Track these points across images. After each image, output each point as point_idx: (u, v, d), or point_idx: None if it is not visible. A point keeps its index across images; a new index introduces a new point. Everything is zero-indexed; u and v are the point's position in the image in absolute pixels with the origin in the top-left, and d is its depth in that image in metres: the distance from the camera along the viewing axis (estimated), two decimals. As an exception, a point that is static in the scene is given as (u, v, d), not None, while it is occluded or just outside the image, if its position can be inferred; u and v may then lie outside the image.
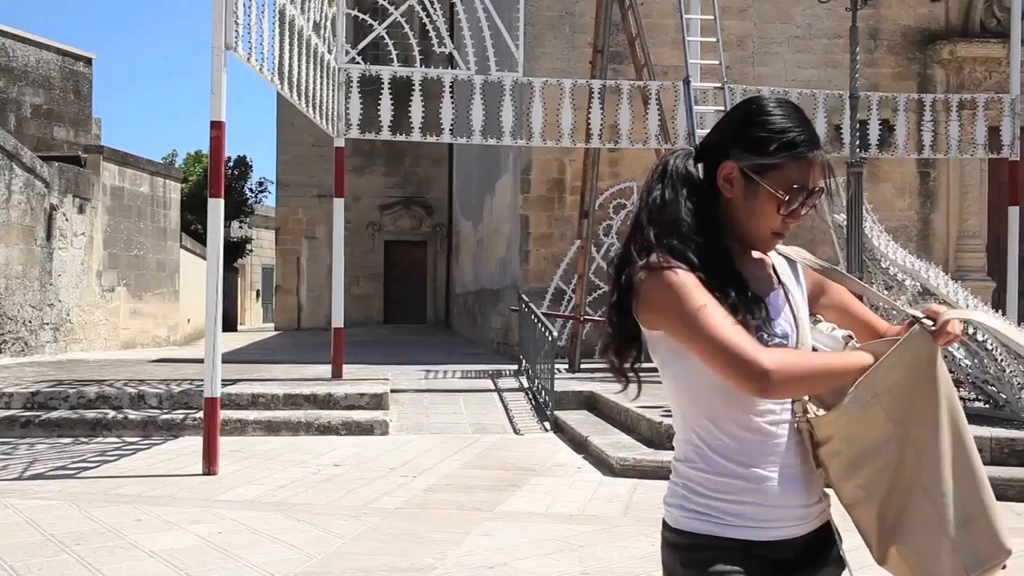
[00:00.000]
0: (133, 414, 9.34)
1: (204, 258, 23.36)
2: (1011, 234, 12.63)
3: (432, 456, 8.15)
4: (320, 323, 26.93)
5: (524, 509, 6.14)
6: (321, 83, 10.39)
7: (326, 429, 9.34)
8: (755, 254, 1.86)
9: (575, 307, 13.14)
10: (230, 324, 32.21)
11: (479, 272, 20.20)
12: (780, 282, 1.87)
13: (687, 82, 11.49)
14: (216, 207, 7.38)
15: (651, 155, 12.77)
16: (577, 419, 9.49)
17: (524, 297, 11.88)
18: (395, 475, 7.30)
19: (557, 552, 5.04)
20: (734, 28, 14.76)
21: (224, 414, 9.39)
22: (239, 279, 38.11)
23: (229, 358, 15.19)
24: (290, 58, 8.95)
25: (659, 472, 7.09)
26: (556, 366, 12.91)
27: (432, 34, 11.20)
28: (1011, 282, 12.63)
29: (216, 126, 7.28)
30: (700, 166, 1.82)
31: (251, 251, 34.68)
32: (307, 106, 9.66)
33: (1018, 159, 12.69)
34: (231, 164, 30.84)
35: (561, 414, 9.79)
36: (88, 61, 17.69)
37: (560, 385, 10.70)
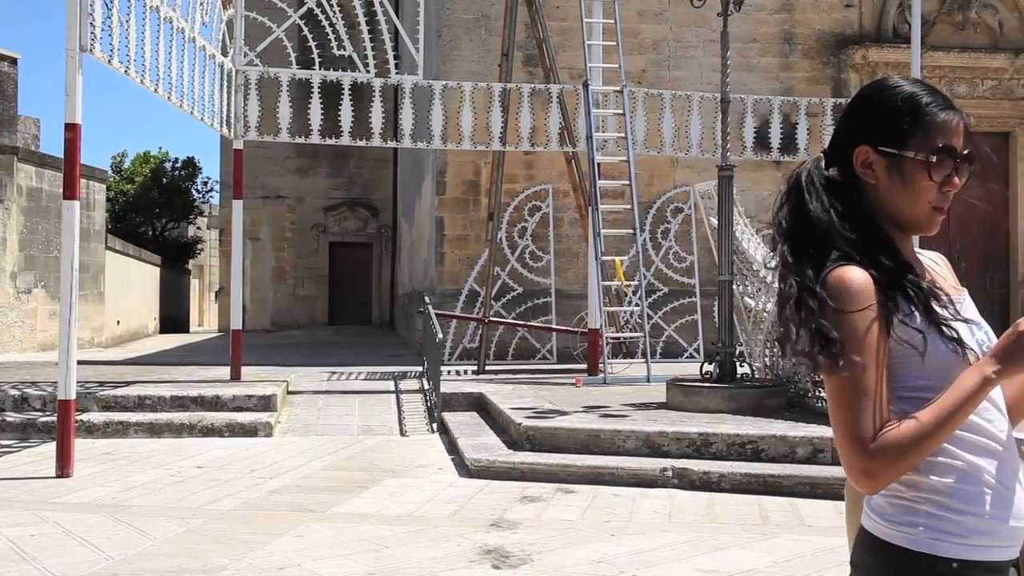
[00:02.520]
0: (12, 416, 9.30)
1: (139, 260, 23.32)
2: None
3: (303, 458, 8.17)
4: (264, 324, 26.87)
5: (357, 510, 6.17)
6: (213, 85, 10.39)
7: (210, 431, 9.32)
8: (916, 261, 1.75)
9: (486, 309, 13.17)
10: (181, 325, 32.13)
11: (413, 273, 20.23)
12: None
13: (586, 85, 11.56)
14: (71, 209, 7.36)
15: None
16: (462, 421, 9.51)
17: (426, 299, 11.91)
18: (252, 477, 7.32)
19: (358, 553, 5.08)
20: (650, 32, 14.89)
21: (106, 416, 9.44)
22: (194, 280, 38.00)
23: (146, 360, 15.26)
24: (168, 60, 8.94)
25: (511, 473, 7.17)
26: (465, 368, 13.07)
27: (331, 37, 11.22)
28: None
29: (71, 128, 7.26)
30: (834, 170, 1.72)
31: (201, 251, 34.49)
32: (191, 108, 9.65)
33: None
34: (179, 165, 30.73)
35: (450, 416, 9.81)
36: (13, 61, 17.58)
37: (456, 387, 10.77)
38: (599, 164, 11.82)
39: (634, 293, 11.78)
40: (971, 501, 1.63)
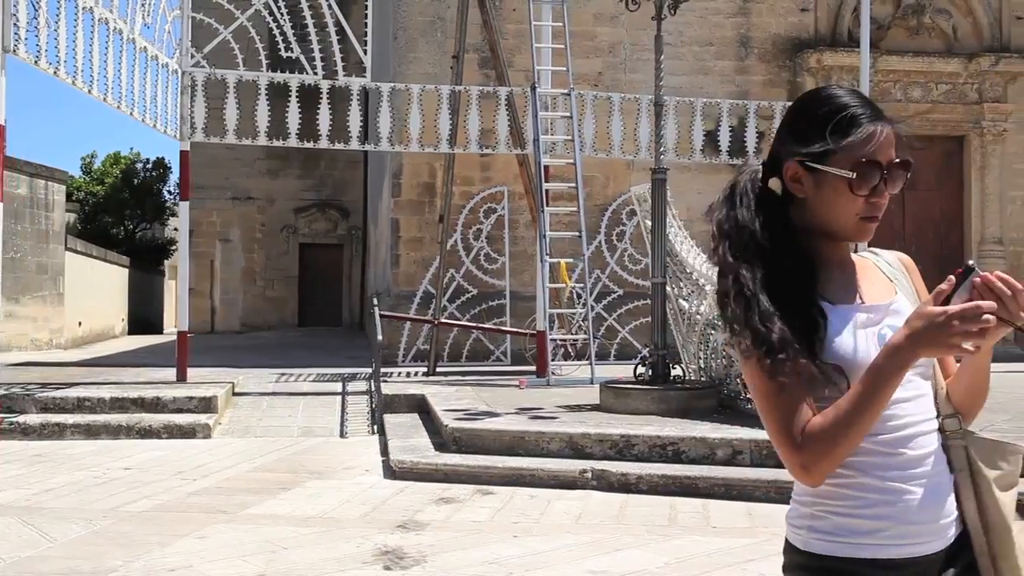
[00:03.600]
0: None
1: (104, 261, 23.23)
2: (861, 239, 12.86)
3: (234, 459, 8.17)
4: (234, 326, 26.82)
5: (269, 512, 6.18)
6: (156, 87, 10.37)
7: (147, 433, 9.31)
8: (860, 262, 1.79)
9: (437, 310, 13.19)
10: (153, 326, 31.99)
11: (376, 274, 20.24)
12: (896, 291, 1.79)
13: (534, 88, 11.59)
14: (-6, 210, 7.34)
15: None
16: (401, 422, 9.52)
17: (374, 300, 11.91)
18: (177, 478, 7.31)
19: (254, 554, 5.09)
20: (606, 35, 14.93)
21: (43, 418, 9.42)
22: (170, 281, 37.82)
23: (100, 362, 15.21)
24: (104, 61, 8.93)
25: (434, 475, 7.19)
26: (417, 369, 13.09)
27: (279, 39, 11.23)
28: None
29: (-6, 129, 7.26)
30: (775, 180, 1.74)
31: (175, 252, 34.35)
32: (131, 110, 9.64)
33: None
34: (150, 166, 30.63)
35: (391, 417, 9.82)
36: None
37: (400, 388, 10.81)
38: (547, 167, 11.87)
39: (577, 296, 11.79)
40: (853, 505, 1.66)
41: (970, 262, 1.54)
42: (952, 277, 1.54)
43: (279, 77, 11.34)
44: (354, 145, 11.61)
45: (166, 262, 36.20)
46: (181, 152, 11.46)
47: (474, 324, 13.17)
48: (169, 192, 31.65)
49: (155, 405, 9.81)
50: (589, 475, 6.89)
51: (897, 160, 1.69)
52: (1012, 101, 15.41)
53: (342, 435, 9.63)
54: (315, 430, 9.76)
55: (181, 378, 11.13)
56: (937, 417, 1.75)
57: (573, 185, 11.41)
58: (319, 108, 11.27)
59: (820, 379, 1.63)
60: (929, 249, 15.62)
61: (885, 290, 1.79)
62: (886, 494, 1.66)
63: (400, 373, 13.00)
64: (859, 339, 1.69)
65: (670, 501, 6.44)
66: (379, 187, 19.74)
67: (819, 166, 1.67)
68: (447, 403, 9.24)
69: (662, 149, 9.20)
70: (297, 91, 11.28)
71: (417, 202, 14.48)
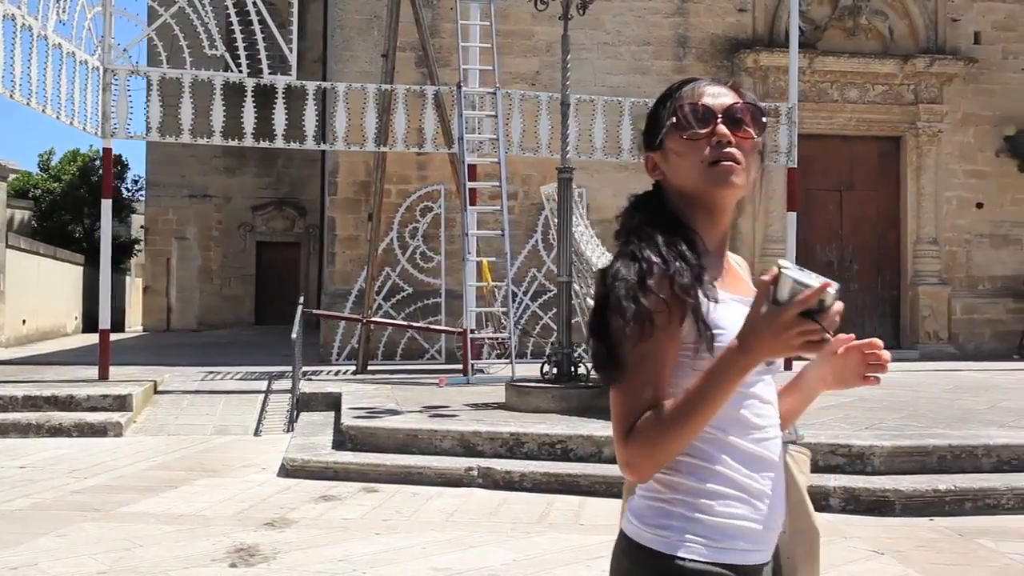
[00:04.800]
0: None
1: (53, 258, 23.07)
2: (789, 239, 12.97)
3: (135, 458, 8.15)
4: (190, 324, 26.72)
5: (143, 510, 6.18)
6: (73, 84, 10.33)
7: (58, 431, 9.27)
8: (727, 263, 1.76)
9: (371, 308, 13.18)
10: (114, 325, 31.84)
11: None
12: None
13: (460, 87, 11.61)
14: None
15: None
16: (314, 420, 9.52)
17: (301, 298, 11.90)
18: (68, 477, 7.29)
19: (104, 552, 5.09)
20: (544, 34, 14.96)
21: (-51, 416, 9.36)
22: (138, 279, 37.60)
23: (33, 360, 15.12)
24: (11, 57, 8.88)
25: (325, 473, 7.20)
26: (348, 368, 13.09)
27: (203, 36, 11.20)
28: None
29: None
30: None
31: (139, 252, 34.17)
32: (43, 107, 9.60)
33: (795, 166, 13.03)
34: (108, 163, 30.49)
35: (307, 415, 9.83)
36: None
37: (319, 387, 10.82)
38: (475, 165, 11.90)
39: (500, 294, 11.82)
40: (726, 504, 1.61)
41: (782, 262, 1.49)
42: (766, 278, 1.49)
43: (203, 75, 11.31)
44: (279, 144, 11.58)
45: (132, 260, 36.01)
46: (104, 150, 11.42)
47: (403, 322, 13.18)
48: (127, 190, 31.45)
49: (68, 403, 9.76)
50: (475, 473, 6.92)
51: (734, 103, 1.67)
52: (947, 102, 15.55)
53: (256, 433, 9.63)
54: (230, 428, 9.75)
55: (103, 376, 11.09)
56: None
57: (497, 184, 11.43)
58: (267, 106, 11.26)
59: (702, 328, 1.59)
60: (867, 249, 15.77)
61: (746, 287, 1.77)
62: (754, 496, 1.63)
63: (332, 371, 13.01)
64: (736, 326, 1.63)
65: (549, 499, 6.47)
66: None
67: (657, 139, 1.70)
68: (358, 401, 9.25)
69: (567, 148, 9.21)
70: (252, 90, 11.31)
71: (353, 200, 14.47)
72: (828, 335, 1.47)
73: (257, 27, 11.26)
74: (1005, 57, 15.76)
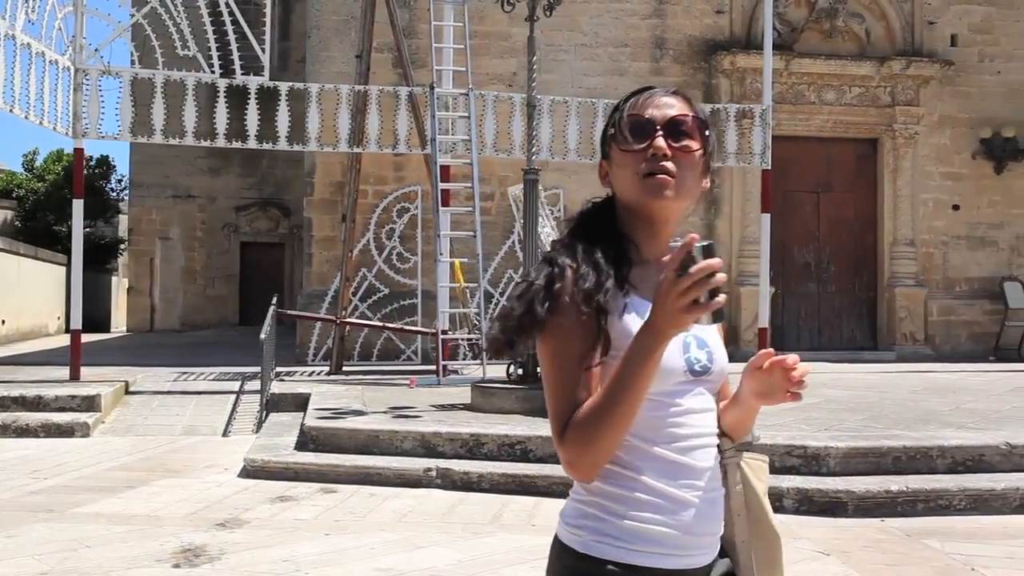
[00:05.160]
0: None
1: (34, 259, 23.02)
2: (763, 240, 13.00)
3: (99, 458, 8.14)
4: (174, 324, 26.67)
5: (98, 511, 6.17)
6: (42, 83, 10.31)
7: (24, 432, 9.25)
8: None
9: (346, 309, 13.17)
10: (99, 325, 31.74)
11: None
12: None
13: (432, 88, 11.62)
14: None
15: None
16: (281, 421, 9.51)
17: (274, 299, 11.90)
18: (28, 477, 7.28)
19: (49, 553, 5.09)
20: (521, 35, 14.84)
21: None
22: (124, 280, 37.50)
23: (18, 360, 15.09)
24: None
25: (285, 474, 7.21)
26: (323, 368, 13.08)
27: (175, 37, 11.19)
28: (763, 283, 13.01)
29: None
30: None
31: (124, 252, 34.12)
32: (11, 106, 9.58)
33: (769, 168, 13.07)
34: (93, 164, 30.38)
35: (275, 416, 9.83)
36: None
37: (289, 387, 10.83)
38: (448, 167, 11.91)
39: (471, 296, 11.83)
40: (638, 508, 1.65)
41: (690, 237, 1.50)
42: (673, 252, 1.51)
43: (175, 75, 11.30)
44: (251, 144, 11.57)
45: (120, 261, 35.93)
46: (75, 150, 11.41)
47: (375, 323, 13.18)
48: (112, 190, 31.38)
49: (36, 404, 9.75)
50: (433, 474, 6.93)
51: (676, 116, 1.70)
52: (924, 104, 15.61)
53: (224, 434, 9.62)
54: (199, 428, 9.75)
55: (74, 377, 11.08)
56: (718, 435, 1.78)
57: (470, 185, 11.44)
58: (244, 107, 11.27)
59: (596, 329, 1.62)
60: (844, 250, 15.82)
61: None
62: (672, 502, 1.66)
63: (306, 372, 13.01)
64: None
65: (505, 500, 6.48)
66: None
67: (611, 149, 1.74)
68: (326, 402, 9.25)
69: (533, 149, 9.23)
70: (231, 91, 11.34)
71: (330, 201, 14.47)
72: (703, 293, 1.47)
73: (230, 27, 11.25)
74: (981, 60, 15.82)
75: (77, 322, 11.50)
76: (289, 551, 5.16)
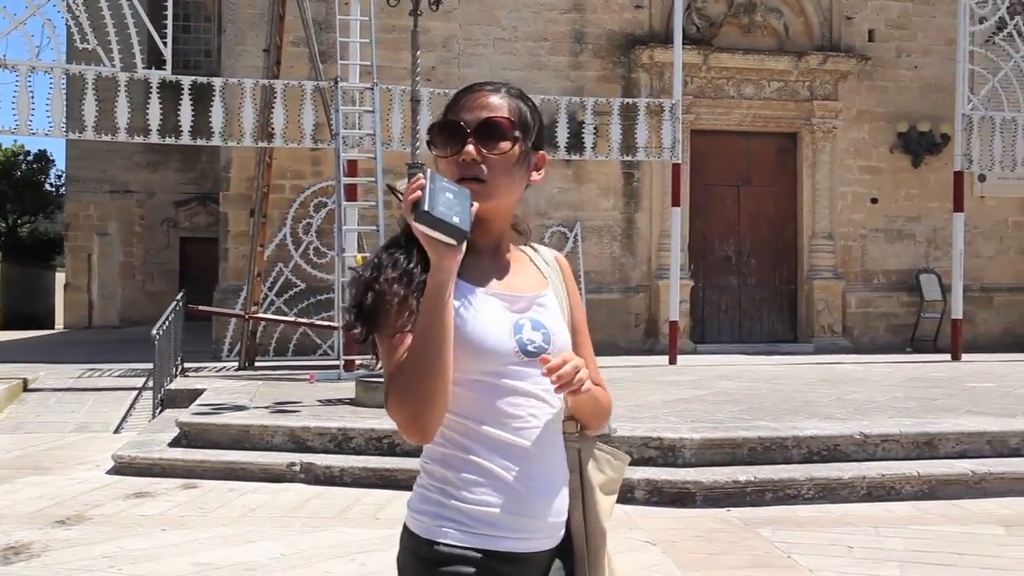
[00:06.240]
0: None
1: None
2: (674, 234, 13.08)
3: (-24, 456, 8.07)
4: (112, 320, 26.43)
5: (-57, 509, 6.12)
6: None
7: (-92, 430, 9.17)
8: (517, 255, 1.86)
9: (258, 305, 13.11)
10: (39, 322, 31.39)
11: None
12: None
13: (337, 82, 11.59)
14: None
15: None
16: (170, 417, 9.39)
17: (180, 295, 11.82)
18: None
19: None
20: (439, 29, 14.94)
21: None
22: (60, 275, 37.09)
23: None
24: None
25: (153, 470, 7.17)
26: (233, 364, 13.03)
27: (74, 30, 11.09)
28: (674, 276, 13.08)
29: None
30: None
31: (67, 246, 33.73)
32: None
33: (679, 162, 13.15)
34: (31, 159, 30.05)
35: (171, 412, 9.77)
36: None
37: (187, 383, 10.79)
38: (355, 161, 11.89)
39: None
40: (473, 490, 1.69)
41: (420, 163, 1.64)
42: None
43: (74, 68, 11.20)
44: (153, 139, 11.49)
45: (68, 256, 35.54)
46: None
47: (282, 318, 13.13)
48: (52, 185, 31.05)
49: (-77, 402, 9.66)
50: (297, 468, 6.92)
51: (489, 117, 1.74)
52: (842, 99, 15.75)
53: (117, 430, 9.57)
54: (92, 426, 9.69)
55: (-26, 374, 10.95)
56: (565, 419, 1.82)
57: (373, 180, 11.43)
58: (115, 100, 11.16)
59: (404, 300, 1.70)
60: (764, 244, 15.94)
61: (535, 283, 1.84)
62: (505, 484, 1.70)
63: (217, 368, 12.94)
64: (491, 322, 1.74)
65: (362, 494, 6.49)
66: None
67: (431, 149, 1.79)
68: (216, 398, 9.21)
69: (416, 144, 9.21)
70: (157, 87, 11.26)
71: (246, 196, 14.37)
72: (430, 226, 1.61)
73: (131, 21, 11.15)
74: (899, 55, 16.00)
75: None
76: (115, 547, 5.14)
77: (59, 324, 34.53)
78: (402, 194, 1.90)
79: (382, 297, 1.69)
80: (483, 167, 1.74)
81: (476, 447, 1.71)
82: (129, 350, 16.55)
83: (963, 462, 6.73)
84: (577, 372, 1.70)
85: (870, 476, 6.40)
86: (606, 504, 1.87)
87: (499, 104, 1.77)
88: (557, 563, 1.80)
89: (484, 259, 1.77)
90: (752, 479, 6.28)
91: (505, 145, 1.75)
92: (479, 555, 1.69)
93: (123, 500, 6.34)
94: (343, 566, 4.84)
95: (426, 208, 1.60)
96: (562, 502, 1.78)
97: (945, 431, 7.01)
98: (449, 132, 1.75)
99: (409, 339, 1.66)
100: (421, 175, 1.65)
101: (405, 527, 1.78)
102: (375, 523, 5.75)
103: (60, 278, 35.81)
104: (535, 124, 1.82)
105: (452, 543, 1.69)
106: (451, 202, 1.62)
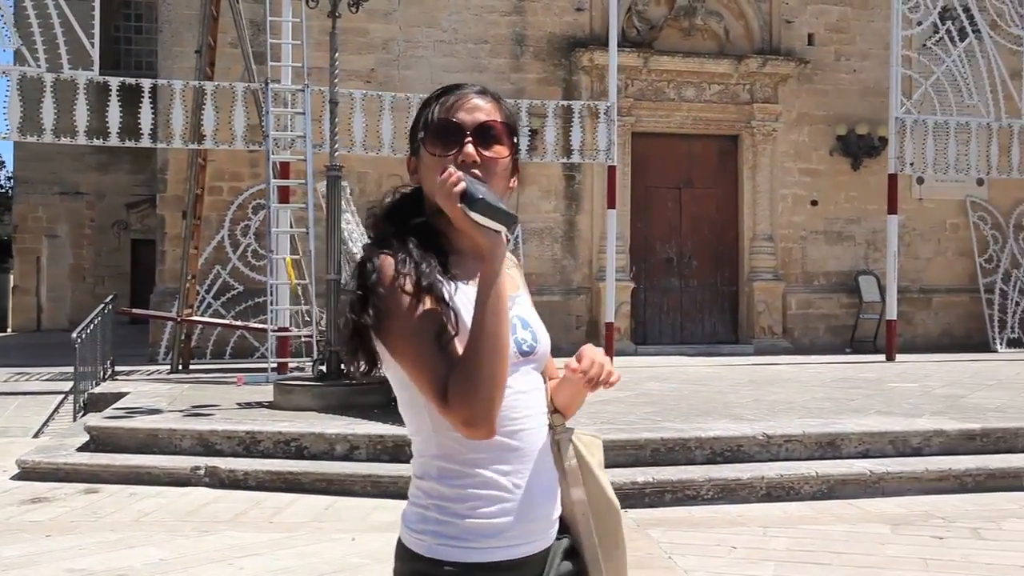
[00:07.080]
0: None
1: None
2: (610, 236, 13.13)
3: None
4: (62, 323, 26.05)
5: None
6: None
7: None
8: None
9: (192, 307, 13.02)
10: (-5, 325, 30.99)
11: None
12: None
13: (267, 84, 11.54)
14: None
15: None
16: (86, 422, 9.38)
17: (110, 298, 11.72)
18: None
19: None
20: (379, 31, 14.93)
21: None
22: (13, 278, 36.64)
23: None
24: None
25: (56, 475, 7.09)
26: (159, 367, 12.94)
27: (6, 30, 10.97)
28: (610, 278, 13.12)
29: None
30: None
31: (17, 248, 33.31)
32: None
33: (615, 164, 13.20)
34: (-20, 160, 29.65)
35: (91, 416, 9.68)
36: None
37: (114, 387, 10.71)
38: (287, 163, 11.85)
39: (304, 292, 11.75)
40: (475, 504, 1.67)
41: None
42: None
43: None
44: (80, 140, 11.39)
45: (15, 259, 35.10)
46: None
47: (214, 320, 13.05)
48: (1, 187, 30.63)
49: None
50: (202, 472, 6.87)
51: (487, 121, 1.73)
52: (782, 102, 15.88)
53: (36, 435, 9.46)
54: (11, 430, 9.58)
55: None
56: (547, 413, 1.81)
57: (304, 182, 11.39)
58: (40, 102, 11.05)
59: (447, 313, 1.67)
60: (706, 246, 16.03)
61: (512, 283, 1.83)
62: (507, 491, 1.69)
63: (150, 371, 12.84)
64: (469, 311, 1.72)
65: (263, 497, 6.46)
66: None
67: (422, 148, 1.76)
68: (137, 401, 9.14)
69: (335, 147, 9.20)
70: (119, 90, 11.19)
71: (182, 198, 14.19)
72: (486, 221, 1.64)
73: (56, 20, 11.04)
74: (837, 58, 16.15)
75: None
76: (-8, 554, 5.08)
77: (8, 327, 34.14)
78: (400, 195, 1.84)
79: (397, 304, 1.66)
80: (478, 170, 1.74)
81: (477, 457, 1.70)
82: (69, 354, 16.38)
83: (863, 462, 6.80)
84: (604, 366, 1.76)
85: (769, 476, 6.46)
86: (608, 482, 1.89)
87: (492, 108, 1.78)
88: (566, 564, 1.81)
89: (469, 261, 1.76)
90: (651, 480, 6.32)
91: (503, 150, 1.77)
92: (484, 569, 1.69)
93: (17, 506, 6.27)
94: (218, 571, 4.82)
95: (481, 195, 1.61)
96: (557, 500, 1.80)
97: (848, 431, 7.09)
98: (448, 132, 1.74)
99: (449, 345, 1.65)
100: (451, 167, 1.66)
101: (402, 544, 1.75)
102: (268, 527, 5.72)
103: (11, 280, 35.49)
104: (518, 131, 1.84)
105: (457, 560, 1.68)
106: (488, 191, 1.64)
